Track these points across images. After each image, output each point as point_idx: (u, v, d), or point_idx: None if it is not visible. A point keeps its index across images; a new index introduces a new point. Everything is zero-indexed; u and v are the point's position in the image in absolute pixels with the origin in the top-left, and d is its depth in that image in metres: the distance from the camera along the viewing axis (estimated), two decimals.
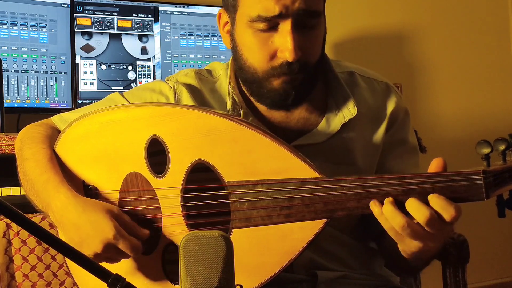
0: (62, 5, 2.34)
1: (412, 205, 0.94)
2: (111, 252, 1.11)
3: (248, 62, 1.20)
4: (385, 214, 0.96)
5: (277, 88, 1.18)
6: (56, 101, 2.33)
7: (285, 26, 1.13)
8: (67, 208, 1.14)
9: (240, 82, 1.27)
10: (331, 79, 1.28)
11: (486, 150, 0.95)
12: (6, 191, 1.83)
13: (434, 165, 0.98)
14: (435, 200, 0.93)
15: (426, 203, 0.94)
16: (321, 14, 1.18)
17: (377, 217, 0.98)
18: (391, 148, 1.29)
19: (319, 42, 1.21)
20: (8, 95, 2.23)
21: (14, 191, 1.84)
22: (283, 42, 1.14)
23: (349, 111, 1.24)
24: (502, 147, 0.96)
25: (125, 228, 1.11)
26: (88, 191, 1.21)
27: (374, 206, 0.98)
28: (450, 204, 0.93)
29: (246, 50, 1.20)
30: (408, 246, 1.01)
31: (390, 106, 1.30)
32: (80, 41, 2.37)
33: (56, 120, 1.35)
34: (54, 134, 1.31)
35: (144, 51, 2.48)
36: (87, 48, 2.39)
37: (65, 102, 2.34)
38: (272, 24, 1.14)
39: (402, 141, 1.30)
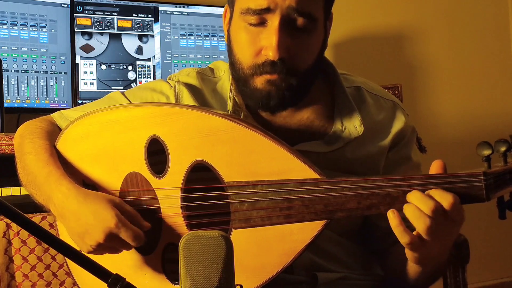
0: (62, 5, 2.34)
1: (417, 196, 0.95)
2: (113, 242, 1.10)
3: (237, 57, 1.20)
4: (414, 200, 0.95)
5: (259, 88, 1.17)
6: (56, 101, 2.32)
7: (273, 23, 1.13)
8: (68, 199, 1.14)
9: None
10: (339, 93, 1.27)
11: (487, 152, 0.95)
12: (6, 191, 1.83)
13: (435, 167, 0.99)
14: (433, 192, 0.95)
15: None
16: (317, 20, 1.16)
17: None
18: (396, 164, 1.28)
19: (312, 48, 1.19)
20: (8, 95, 2.23)
21: (14, 191, 1.84)
22: (268, 39, 1.13)
23: (356, 129, 1.23)
24: (503, 149, 0.96)
25: (127, 217, 1.11)
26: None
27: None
28: (447, 192, 0.94)
29: (237, 44, 1.19)
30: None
31: (398, 124, 1.29)
32: (80, 41, 2.37)
33: (56, 117, 1.35)
34: (54, 130, 1.31)
35: (139, 50, 2.48)
36: (87, 48, 2.38)
37: (65, 102, 2.34)
38: (261, 19, 1.14)
39: (407, 159, 1.30)
